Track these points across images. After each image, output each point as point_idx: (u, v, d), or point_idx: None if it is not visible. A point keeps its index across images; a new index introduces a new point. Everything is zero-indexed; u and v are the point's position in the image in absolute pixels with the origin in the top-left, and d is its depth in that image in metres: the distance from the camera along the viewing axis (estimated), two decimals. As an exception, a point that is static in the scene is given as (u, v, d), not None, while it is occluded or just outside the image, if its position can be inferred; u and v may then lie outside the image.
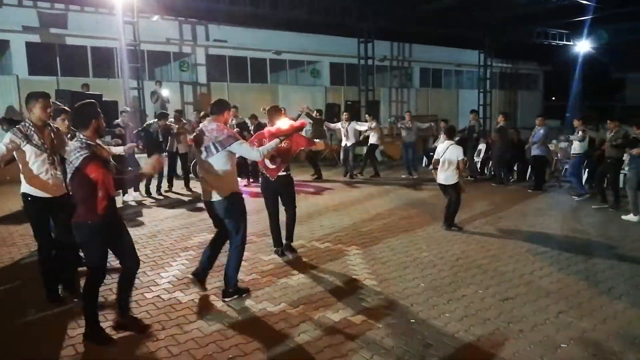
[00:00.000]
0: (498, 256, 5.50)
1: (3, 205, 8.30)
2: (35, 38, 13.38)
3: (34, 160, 3.95)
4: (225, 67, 17.34)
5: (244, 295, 4.33)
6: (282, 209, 5.54)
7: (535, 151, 9.94)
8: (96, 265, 3.50)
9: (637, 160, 7.20)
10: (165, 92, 13.84)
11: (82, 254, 4.38)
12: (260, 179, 5.65)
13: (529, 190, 9.85)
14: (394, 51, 21.45)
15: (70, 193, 3.71)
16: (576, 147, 9.10)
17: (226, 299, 4.23)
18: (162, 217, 7.59)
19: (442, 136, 7.21)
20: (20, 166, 4.00)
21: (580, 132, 8.91)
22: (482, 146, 12.38)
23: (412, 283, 4.68)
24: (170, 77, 16.56)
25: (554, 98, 30.64)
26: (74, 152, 3.28)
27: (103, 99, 10.56)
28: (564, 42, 22.56)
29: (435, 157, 6.76)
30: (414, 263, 5.27)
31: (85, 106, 3.52)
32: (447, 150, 6.56)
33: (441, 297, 4.32)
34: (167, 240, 6.21)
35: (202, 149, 4.06)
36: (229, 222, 4.17)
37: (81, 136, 3.37)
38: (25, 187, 4.01)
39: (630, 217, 7.24)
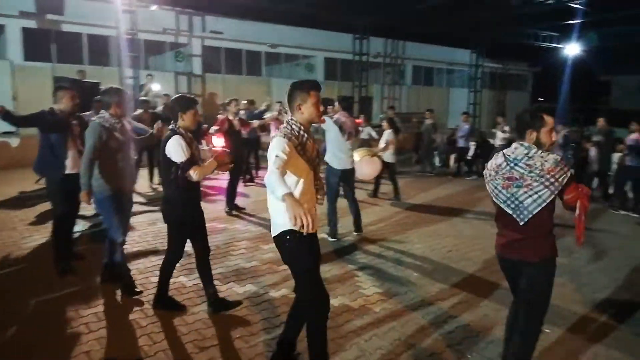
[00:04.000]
0: (485, 249, 5.78)
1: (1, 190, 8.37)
2: (31, 24, 13.31)
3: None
4: (220, 58, 17.41)
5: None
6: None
7: (460, 143, 11.63)
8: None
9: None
10: (156, 87, 13.41)
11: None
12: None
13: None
14: (387, 48, 21.67)
15: None
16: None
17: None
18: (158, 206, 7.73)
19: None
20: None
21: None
22: (472, 144, 12.69)
23: (406, 272, 4.93)
24: (165, 67, 16.58)
25: (542, 99, 31.13)
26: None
27: (100, 86, 10.67)
28: (554, 45, 22.98)
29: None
30: (405, 255, 5.53)
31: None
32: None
33: (434, 286, 4.57)
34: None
35: None
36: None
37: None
38: None
39: None
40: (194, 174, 3.54)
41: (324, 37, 19.35)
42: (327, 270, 4.91)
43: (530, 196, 2.57)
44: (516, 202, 2.61)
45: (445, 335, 3.63)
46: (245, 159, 10.64)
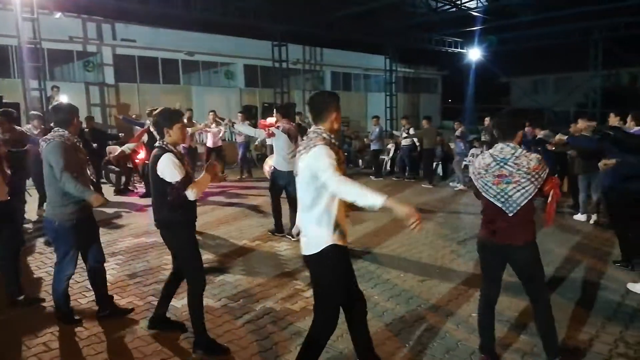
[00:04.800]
0: (414, 244, 6.14)
1: None
2: None
3: None
4: (134, 67, 16.72)
5: None
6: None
7: (374, 146, 12.38)
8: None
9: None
10: (63, 98, 12.47)
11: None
12: None
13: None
14: (306, 55, 22.04)
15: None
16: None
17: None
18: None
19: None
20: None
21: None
22: (390, 146, 13.37)
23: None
24: (74, 78, 15.62)
25: (450, 101, 33.26)
26: None
27: (3, 100, 9.88)
28: (459, 50, 24.69)
29: None
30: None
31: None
32: None
33: (369, 282, 4.79)
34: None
35: None
36: None
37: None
38: None
39: None
40: (191, 192, 3.26)
41: (243, 44, 19.27)
42: (264, 274, 4.96)
43: (518, 191, 2.92)
44: (505, 197, 2.94)
45: (383, 328, 3.83)
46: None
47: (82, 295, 4.54)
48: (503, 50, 24.77)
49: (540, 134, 8.70)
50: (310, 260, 2.76)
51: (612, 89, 28.61)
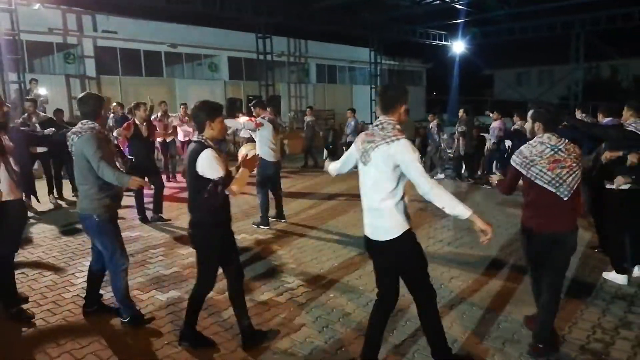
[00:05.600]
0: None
1: None
2: None
3: None
4: (116, 59, 16.47)
5: None
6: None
7: (349, 139, 11.91)
8: None
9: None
10: (42, 91, 12.36)
11: None
12: None
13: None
14: (291, 47, 21.94)
15: None
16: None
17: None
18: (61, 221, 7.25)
19: None
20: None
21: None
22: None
23: (327, 264, 5.15)
24: (53, 70, 15.34)
25: (435, 93, 33.45)
26: None
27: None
28: (443, 42, 24.80)
29: None
30: (326, 246, 5.76)
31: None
32: None
33: (353, 274, 4.83)
34: (73, 242, 6.01)
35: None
36: None
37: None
38: None
39: None
40: (235, 188, 3.17)
41: (226, 36, 19.11)
42: (253, 268, 4.98)
43: (570, 175, 3.10)
44: (560, 181, 3.09)
45: (367, 317, 3.87)
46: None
47: (66, 290, 4.50)
48: (487, 43, 24.95)
49: (517, 124, 8.90)
50: (387, 246, 2.84)
51: (593, 81, 29.06)
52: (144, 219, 6.92)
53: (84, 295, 4.29)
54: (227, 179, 3.17)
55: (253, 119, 6.70)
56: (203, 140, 3.17)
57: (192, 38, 18.06)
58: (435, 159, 11.09)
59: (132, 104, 7.04)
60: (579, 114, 7.02)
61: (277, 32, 19.00)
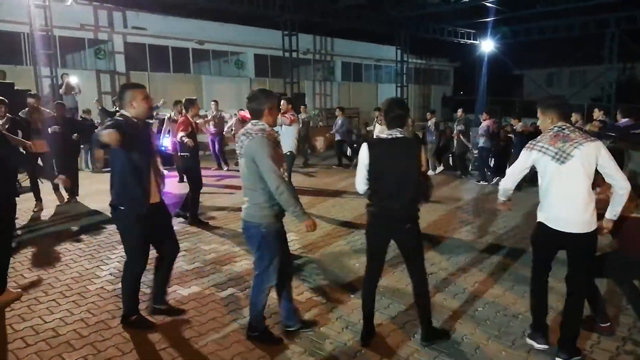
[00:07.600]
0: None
1: None
2: None
3: None
4: (145, 55, 16.75)
5: None
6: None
7: (337, 137, 12.60)
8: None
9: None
10: (74, 80, 12.54)
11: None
12: None
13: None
14: (316, 45, 21.92)
15: None
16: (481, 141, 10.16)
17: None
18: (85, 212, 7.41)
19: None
20: None
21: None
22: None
23: (349, 264, 5.11)
24: (85, 65, 15.70)
25: (462, 92, 32.95)
26: None
27: (15, 87, 9.96)
28: (471, 41, 24.38)
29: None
30: (334, 230, 5.74)
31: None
32: None
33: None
34: (99, 234, 6.13)
35: None
36: None
37: None
38: None
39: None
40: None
41: (254, 33, 19.22)
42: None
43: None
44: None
45: (388, 320, 3.83)
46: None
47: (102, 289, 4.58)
48: (516, 42, 24.44)
49: (518, 125, 9.43)
50: (587, 236, 3.12)
51: (627, 82, 28.14)
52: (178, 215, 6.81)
53: (109, 287, 4.39)
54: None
55: (287, 115, 7.36)
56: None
57: (219, 35, 18.22)
58: (430, 154, 11.00)
59: (184, 100, 6.83)
60: (599, 115, 6.92)
61: (303, 30, 19.01)
